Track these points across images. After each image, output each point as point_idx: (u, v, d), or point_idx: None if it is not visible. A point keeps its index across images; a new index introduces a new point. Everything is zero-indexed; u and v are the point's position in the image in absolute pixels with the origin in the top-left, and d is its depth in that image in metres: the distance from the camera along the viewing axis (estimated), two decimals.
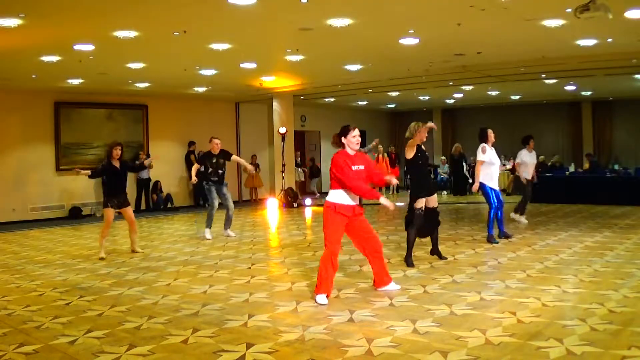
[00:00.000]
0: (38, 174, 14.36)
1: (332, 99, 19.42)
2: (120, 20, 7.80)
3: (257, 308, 5.42)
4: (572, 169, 18.42)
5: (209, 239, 10.07)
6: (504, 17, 7.94)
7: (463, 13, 7.71)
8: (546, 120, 21.70)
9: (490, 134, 9.05)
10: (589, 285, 5.92)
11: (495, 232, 9.05)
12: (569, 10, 7.31)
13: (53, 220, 14.15)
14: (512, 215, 10.94)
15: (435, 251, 7.71)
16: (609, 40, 9.67)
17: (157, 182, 16.28)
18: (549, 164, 18.88)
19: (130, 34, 8.34)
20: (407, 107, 23.58)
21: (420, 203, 7.24)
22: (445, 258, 7.62)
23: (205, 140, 17.25)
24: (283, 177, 16.66)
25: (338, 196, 5.57)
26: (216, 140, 10.36)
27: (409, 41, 9.55)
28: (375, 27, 8.64)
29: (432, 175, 20.55)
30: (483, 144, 8.97)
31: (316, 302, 5.49)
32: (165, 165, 16.60)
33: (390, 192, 20.48)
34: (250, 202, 18.09)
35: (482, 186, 8.97)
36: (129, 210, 8.89)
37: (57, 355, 4.26)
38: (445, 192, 19.75)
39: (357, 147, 5.66)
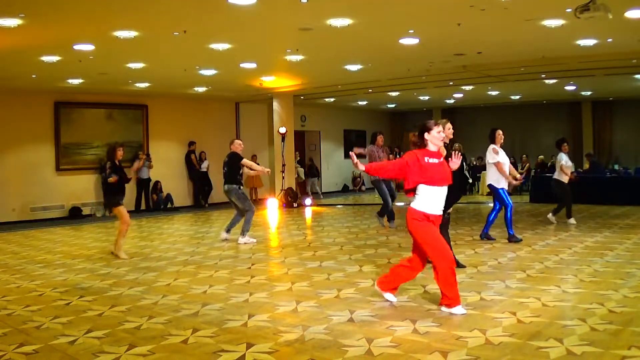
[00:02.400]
0: (38, 174, 14.35)
1: (332, 99, 19.42)
2: (120, 20, 7.80)
3: (257, 308, 5.42)
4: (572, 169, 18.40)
5: (254, 242, 9.65)
6: (504, 17, 7.94)
7: (463, 13, 7.71)
8: (546, 120, 21.70)
9: (499, 134, 9.07)
10: (589, 285, 5.92)
11: (490, 231, 9.06)
12: (569, 10, 7.32)
13: (53, 220, 14.14)
14: (568, 221, 10.88)
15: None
16: (609, 40, 9.67)
17: (157, 182, 16.28)
18: (549, 164, 18.88)
19: (130, 34, 8.34)
20: (407, 107, 23.58)
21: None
22: (464, 266, 7.44)
23: (206, 140, 17.18)
24: (283, 177, 16.66)
25: (425, 203, 5.11)
26: (239, 141, 10.03)
27: (409, 41, 9.55)
28: (375, 27, 8.64)
29: None
30: (493, 145, 9.01)
31: (456, 313, 4.98)
32: (166, 166, 16.62)
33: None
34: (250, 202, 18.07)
35: (494, 189, 8.99)
36: (124, 210, 8.89)
37: (57, 355, 4.26)
38: None
39: (441, 143, 5.28)
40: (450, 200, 6.62)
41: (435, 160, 5.12)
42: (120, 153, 8.79)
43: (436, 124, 5.18)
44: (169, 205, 16.46)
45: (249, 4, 7.05)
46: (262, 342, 4.37)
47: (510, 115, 21.91)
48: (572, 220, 10.89)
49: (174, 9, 7.36)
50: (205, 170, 16.96)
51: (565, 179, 10.88)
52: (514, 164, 19.32)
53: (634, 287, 5.79)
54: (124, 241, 8.73)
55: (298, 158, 19.48)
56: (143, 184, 15.97)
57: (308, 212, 15.01)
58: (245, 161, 9.80)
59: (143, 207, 15.97)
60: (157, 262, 8.11)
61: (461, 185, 7.18)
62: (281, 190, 16.55)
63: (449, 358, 3.93)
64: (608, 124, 20.98)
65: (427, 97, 19.79)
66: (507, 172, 8.99)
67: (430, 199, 5.08)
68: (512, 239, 8.89)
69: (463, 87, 16.90)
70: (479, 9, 7.40)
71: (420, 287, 6.03)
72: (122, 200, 8.75)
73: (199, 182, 16.99)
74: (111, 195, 8.74)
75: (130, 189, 15.96)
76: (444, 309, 5.07)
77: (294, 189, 17.04)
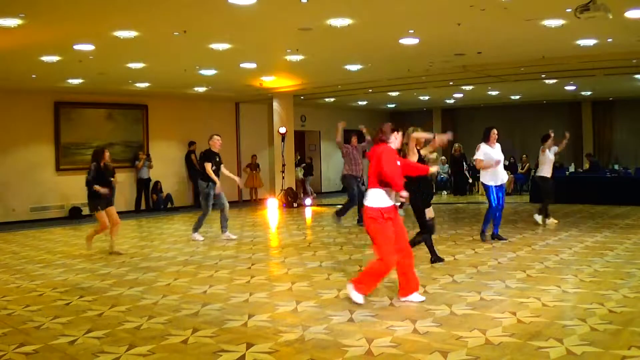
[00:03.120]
0: (38, 174, 14.35)
1: (332, 99, 19.43)
2: (120, 20, 7.80)
3: (257, 308, 5.42)
4: (572, 169, 18.42)
5: (202, 240, 9.91)
6: (504, 17, 7.94)
7: (463, 13, 7.71)
8: (546, 120, 21.67)
9: (492, 133, 9.04)
10: (589, 285, 5.92)
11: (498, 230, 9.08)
12: (569, 10, 7.31)
13: (53, 220, 14.14)
14: (546, 220, 10.93)
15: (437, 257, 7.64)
16: (609, 40, 9.67)
17: (157, 182, 16.27)
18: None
19: (130, 34, 8.34)
20: (407, 107, 23.58)
21: (431, 212, 7.37)
22: (443, 260, 7.52)
23: (206, 140, 17.23)
24: (283, 177, 16.66)
25: (380, 198, 5.36)
26: (217, 137, 9.99)
27: (409, 41, 9.55)
28: (375, 27, 8.64)
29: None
30: (480, 144, 9.03)
31: (353, 298, 5.36)
32: (166, 166, 16.62)
33: None
34: (250, 202, 18.09)
35: (485, 185, 9.03)
36: (114, 210, 8.95)
37: (57, 355, 4.26)
38: (445, 192, 19.75)
39: (399, 146, 5.71)
40: (426, 198, 7.08)
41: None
42: (107, 155, 8.83)
43: (397, 131, 5.57)
44: (169, 205, 16.46)
45: (249, 4, 7.05)
46: (262, 342, 4.37)
47: (510, 115, 21.91)
48: (549, 219, 10.88)
49: (174, 9, 7.36)
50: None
51: (548, 174, 10.85)
52: (514, 163, 19.45)
53: (634, 287, 5.79)
54: (93, 241, 9.00)
55: (299, 158, 19.48)
56: (143, 184, 15.97)
57: (308, 212, 15.01)
58: (206, 165, 9.76)
59: (143, 207, 15.97)
60: (157, 262, 8.11)
61: (430, 183, 7.51)
62: (281, 190, 16.55)
63: (449, 358, 3.93)
64: (608, 124, 20.98)
65: (427, 97, 19.79)
66: (499, 170, 8.91)
67: (383, 195, 5.38)
68: (482, 236, 9.03)
69: (463, 87, 16.91)
70: (479, 9, 7.40)
71: (420, 287, 6.02)
72: (102, 205, 8.72)
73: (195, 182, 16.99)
74: (91, 198, 8.76)
75: (130, 189, 16.02)
76: (349, 286, 5.42)
77: (294, 189, 17.04)
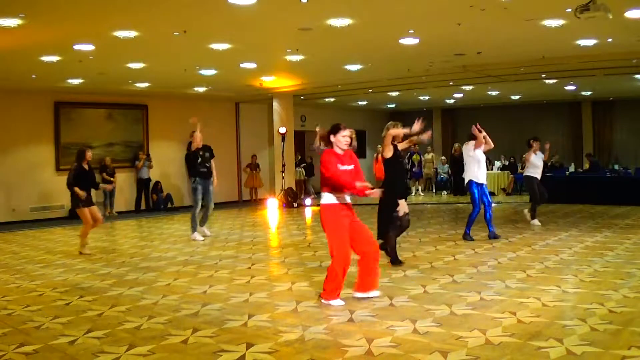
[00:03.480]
0: (38, 174, 14.35)
1: (332, 99, 19.43)
2: (120, 20, 7.80)
3: (257, 308, 5.42)
4: (572, 169, 18.42)
5: (202, 240, 9.95)
6: (504, 17, 7.94)
7: (463, 13, 7.72)
8: (546, 120, 21.69)
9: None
10: (589, 285, 5.92)
11: (493, 230, 9.08)
12: (569, 10, 7.32)
13: (53, 220, 14.14)
14: (531, 221, 11.03)
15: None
16: (609, 40, 9.67)
17: (157, 182, 16.28)
18: (549, 164, 18.88)
19: (130, 34, 8.34)
20: (407, 107, 23.58)
21: (404, 207, 7.23)
22: (402, 263, 7.37)
23: (206, 140, 17.26)
24: (283, 177, 16.66)
25: (332, 198, 5.46)
26: (197, 133, 10.05)
27: (409, 41, 9.55)
28: (375, 27, 8.64)
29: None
30: (472, 142, 9.20)
31: (333, 305, 5.37)
32: (166, 166, 16.62)
33: None
34: (250, 202, 18.09)
35: (469, 184, 9.18)
36: (96, 209, 9.16)
37: (57, 355, 4.26)
38: (445, 192, 19.75)
39: (346, 147, 5.50)
40: (400, 193, 7.10)
41: (345, 167, 5.42)
42: (89, 155, 9.02)
43: (344, 128, 5.45)
44: (169, 205, 16.46)
45: (249, 4, 7.05)
46: (262, 342, 4.37)
47: (510, 115, 21.92)
48: (537, 222, 10.93)
49: (174, 9, 7.36)
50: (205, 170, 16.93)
51: (537, 174, 10.95)
52: (514, 163, 19.45)
53: (634, 287, 5.79)
54: (86, 240, 9.04)
55: (299, 158, 19.49)
56: (143, 184, 15.97)
57: (308, 212, 15.01)
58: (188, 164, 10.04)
59: (143, 207, 15.97)
60: (157, 262, 8.11)
61: (404, 180, 7.52)
62: (281, 190, 16.55)
63: (449, 358, 3.93)
64: (608, 124, 20.98)
65: (427, 97, 19.80)
66: (483, 170, 9.16)
67: (335, 196, 5.43)
68: (465, 236, 9.15)
69: (463, 87, 16.91)
70: (479, 9, 7.40)
71: (420, 287, 6.03)
72: (84, 204, 8.90)
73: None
74: (73, 197, 8.94)
75: (130, 189, 16.03)
76: (322, 301, 5.44)
77: (294, 189, 17.04)
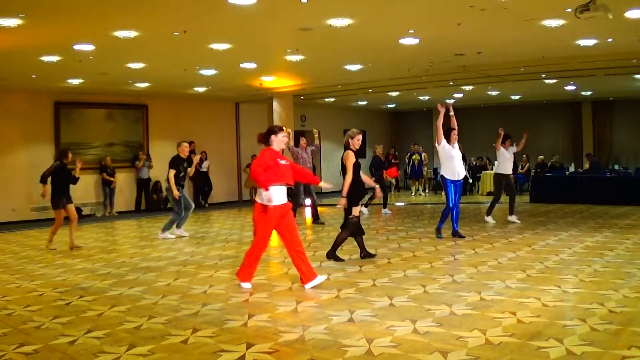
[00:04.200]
0: (38, 174, 14.23)
1: (332, 99, 19.43)
2: (120, 20, 7.80)
3: (257, 308, 5.42)
4: (572, 169, 18.42)
5: (172, 238, 10.33)
6: (504, 17, 7.94)
7: (463, 13, 7.72)
8: (546, 120, 21.70)
9: (453, 134, 9.39)
10: (589, 285, 5.92)
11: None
12: (569, 10, 7.32)
13: (53, 220, 14.08)
14: (486, 217, 11.36)
15: (366, 254, 7.83)
16: (609, 40, 9.68)
17: (157, 182, 16.27)
18: (549, 163, 18.89)
19: (130, 34, 8.34)
20: (407, 107, 23.59)
21: (357, 211, 7.56)
22: (375, 255, 7.85)
23: (206, 140, 17.18)
24: None
25: (265, 196, 6.00)
26: (185, 144, 10.61)
27: (409, 41, 9.55)
28: (375, 27, 8.64)
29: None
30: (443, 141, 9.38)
31: (243, 287, 6.16)
32: (166, 166, 16.54)
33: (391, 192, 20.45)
34: (250, 202, 18.08)
35: (443, 180, 9.35)
36: (73, 207, 9.57)
37: (57, 355, 4.26)
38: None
39: (284, 146, 6.28)
40: (356, 198, 7.47)
41: (284, 162, 6.13)
42: (70, 156, 9.44)
43: (282, 130, 6.22)
44: (168, 205, 16.41)
45: (249, 4, 7.05)
46: (262, 342, 4.37)
47: (510, 115, 21.91)
48: (491, 219, 11.19)
49: (174, 9, 7.36)
50: (205, 170, 16.95)
51: (507, 170, 11.23)
52: (514, 163, 19.44)
53: (634, 287, 5.79)
54: (53, 237, 9.55)
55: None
56: (143, 184, 15.97)
57: (308, 212, 15.00)
58: (170, 172, 10.35)
59: (143, 207, 15.97)
60: (157, 262, 8.11)
61: (362, 184, 7.70)
62: None
63: (449, 358, 3.93)
64: (608, 124, 20.99)
65: (427, 97, 19.80)
66: (458, 166, 9.34)
67: (275, 194, 6.02)
68: (438, 233, 9.34)
69: (463, 87, 16.91)
70: (479, 9, 7.40)
71: (420, 287, 6.03)
72: (62, 203, 9.32)
73: (199, 182, 16.99)
74: (53, 196, 9.39)
75: (131, 189, 16.02)
76: (242, 284, 6.24)
77: (294, 189, 17.02)
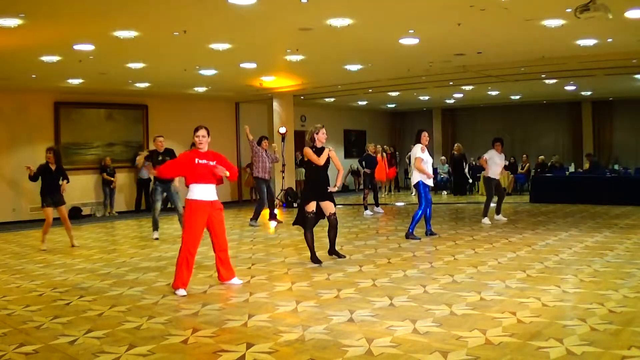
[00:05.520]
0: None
1: (332, 99, 19.43)
2: (120, 20, 7.80)
3: (257, 308, 5.42)
4: (572, 169, 18.43)
5: (157, 239, 10.40)
6: (504, 17, 7.95)
7: (463, 13, 7.72)
8: (546, 120, 21.72)
9: (424, 135, 9.54)
10: (589, 285, 5.92)
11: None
12: (569, 10, 7.32)
13: (53, 220, 14.08)
14: (482, 220, 11.37)
15: (332, 251, 7.85)
16: (609, 40, 9.68)
17: None
18: (549, 163, 18.89)
19: (130, 34, 8.34)
20: (407, 107, 23.60)
21: (312, 206, 7.51)
22: (345, 257, 7.81)
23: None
24: (283, 177, 16.65)
25: (191, 193, 6.12)
26: (160, 139, 10.68)
27: (409, 41, 9.55)
28: (375, 27, 8.65)
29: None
30: (419, 145, 9.48)
31: (177, 295, 5.97)
32: None
33: (386, 192, 20.52)
34: (250, 202, 18.07)
35: (418, 184, 9.43)
36: (64, 209, 9.61)
37: (57, 355, 4.25)
38: (445, 192, 19.75)
39: (202, 146, 6.28)
40: (311, 195, 7.51)
41: (205, 161, 6.18)
42: (47, 155, 9.60)
43: (198, 130, 6.26)
44: (168, 205, 16.40)
45: (249, 4, 7.05)
46: (262, 342, 4.37)
47: (510, 115, 21.93)
48: (487, 220, 11.23)
49: (174, 9, 7.36)
50: None
51: (495, 175, 11.41)
52: (514, 163, 19.47)
53: (634, 287, 5.79)
54: (45, 237, 9.61)
55: (300, 157, 19.47)
56: (143, 184, 15.95)
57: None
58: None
59: (143, 207, 15.96)
60: (157, 262, 8.11)
61: (322, 183, 7.66)
62: (281, 190, 16.54)
63: (449, 358, 3.93)
64: (608, 124, 20.99)
65: (427, 97, 19.81)
66: (430, 171, 9.47)
67: (200, 192, 6.09)
68: (409, 236, 9.36)
69: (463, 87, 16.92)
70: (479, 9, 7.40)
71: (420, 287, 6.03)
72: (48, 202, 9.42)
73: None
74: (42, 196, 9.48)
75: (131, 189, 16.02)
76: (175, 291, 6.07)
77: (294, 189, 17.04)
